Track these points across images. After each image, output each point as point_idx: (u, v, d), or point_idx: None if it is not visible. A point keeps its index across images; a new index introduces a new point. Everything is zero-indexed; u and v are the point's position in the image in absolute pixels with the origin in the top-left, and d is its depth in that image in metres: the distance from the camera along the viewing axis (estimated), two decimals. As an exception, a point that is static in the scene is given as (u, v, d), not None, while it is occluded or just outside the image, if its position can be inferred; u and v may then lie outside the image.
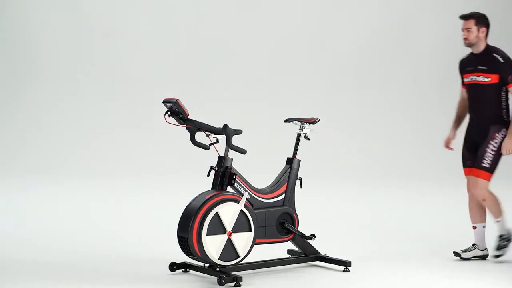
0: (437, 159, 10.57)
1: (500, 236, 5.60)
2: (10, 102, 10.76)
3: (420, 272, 5.25)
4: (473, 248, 5.62)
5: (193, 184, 5.83)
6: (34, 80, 10.86)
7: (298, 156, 5.31)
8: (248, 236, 4.88)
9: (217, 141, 4.98)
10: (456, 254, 5.62)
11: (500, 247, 5.58)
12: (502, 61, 5.39)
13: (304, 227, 5.35)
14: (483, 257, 5.65)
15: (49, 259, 5.47)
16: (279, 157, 5.74)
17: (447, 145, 5.80)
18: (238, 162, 5.17)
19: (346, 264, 5.24)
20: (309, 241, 5.29)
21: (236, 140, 4.98)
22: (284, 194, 5.20)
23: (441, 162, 10.51)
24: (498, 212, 5.57)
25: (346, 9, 11.31)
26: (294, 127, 5.41)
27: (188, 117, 4.94)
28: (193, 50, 11.06)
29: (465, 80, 5.58)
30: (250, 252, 4.91)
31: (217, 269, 4.84)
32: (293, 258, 5.32)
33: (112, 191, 8.69)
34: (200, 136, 5.05)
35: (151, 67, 11.00)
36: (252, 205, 4.99)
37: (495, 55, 5.42)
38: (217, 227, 4.76)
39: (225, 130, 4.92)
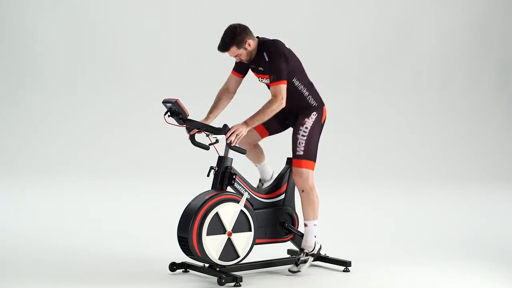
0: (436, 159, 10.57)
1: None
2: (9, 102, 10.75)
3: (421, 272, 5.25)
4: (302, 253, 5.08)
5: (193, 184, 5.82)
6: (33, 81, 10.85)
7: (298, 156, 5.30)
8: (248, 236, 4.87)
9: (217, 141, 4.98)
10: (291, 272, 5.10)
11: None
12: (266, 59, 4.98)
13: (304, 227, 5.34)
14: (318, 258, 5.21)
15: (49, 259, 5.47)
16: (279, 157, 5.73)
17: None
18: (238, 162, 5.17)
19: (346, 264, 5.23)
20: (309, 241, 5.29)
21: (236, 140, 4.97)
22: (284, 194, 5.21)
23: (440, 162, 10.51)
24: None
25: (346, 9, 11.30)
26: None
27: (188, 117, 4.94)
28: (193, 50, 11.05)
29: (258, 79, 5.19)
30: (250, 252, 4.91)
31: (217, 269, 4.84)
32: (293, 258, 5.31)
33: (111, 191, 8.68)
34: (200, 136, 5.06)
35: (151, 67, 10.98)
36: (252, 205, 4.99)
37: (264, 53, 4.97)
38: (217, 227, 4.76)
39: (225, 130, 4.92)
